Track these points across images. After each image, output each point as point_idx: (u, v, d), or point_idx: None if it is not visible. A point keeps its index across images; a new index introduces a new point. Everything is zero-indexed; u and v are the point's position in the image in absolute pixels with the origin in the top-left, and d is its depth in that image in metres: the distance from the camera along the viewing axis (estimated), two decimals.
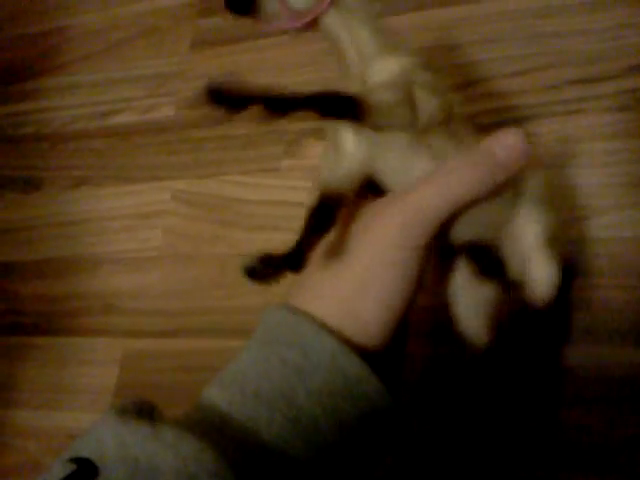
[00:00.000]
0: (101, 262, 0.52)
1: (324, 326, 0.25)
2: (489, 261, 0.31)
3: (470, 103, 0.44)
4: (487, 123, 0.44)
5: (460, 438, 0.37)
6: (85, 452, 0.22)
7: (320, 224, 0.28)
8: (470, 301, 0.31)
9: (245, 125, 0.52)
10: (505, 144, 0.28)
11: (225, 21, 0.57)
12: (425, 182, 0.27)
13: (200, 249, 0.49)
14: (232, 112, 0.26)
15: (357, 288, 0.26)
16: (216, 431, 0.23)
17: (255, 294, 0.40)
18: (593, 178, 0.40)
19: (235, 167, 0.51)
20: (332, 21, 0.28)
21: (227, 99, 0.26)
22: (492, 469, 0.36)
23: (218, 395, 0.25)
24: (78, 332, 0.50)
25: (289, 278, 0.28)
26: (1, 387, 0.50)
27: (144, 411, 0.25)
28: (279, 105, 0.25)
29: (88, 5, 0.65)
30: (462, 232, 0.30)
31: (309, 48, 0.52)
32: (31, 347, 0.51)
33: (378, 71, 0.28)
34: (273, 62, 0.53)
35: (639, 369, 0.35)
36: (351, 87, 0.28)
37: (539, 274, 0.30)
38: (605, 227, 0.38)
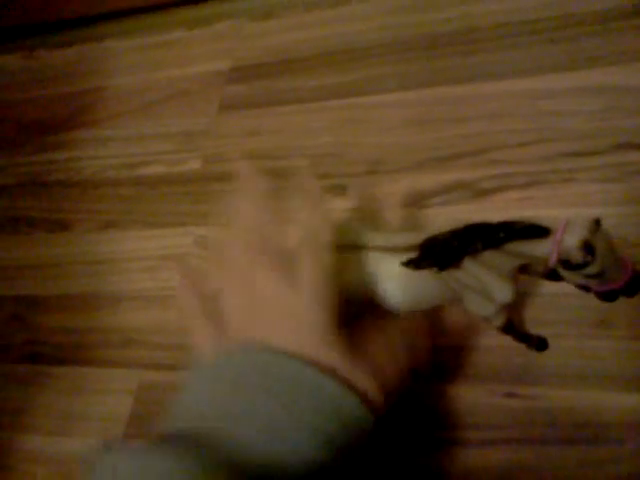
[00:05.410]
0: (121, 299, 0.55)
1: (295, 355, 0.28)
2: None
3: (475, 169, 0.49)
4: (490, 187, 0.48)
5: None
6: None
7: None
8: None
9: (266, 180, 0.56)
10: None
11: (251, 89, 0.63)
12: None
13: None
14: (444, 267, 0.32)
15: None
16: (211, 448, 0.25)
17: None
18: None
19: None
20: None
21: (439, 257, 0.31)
22: None
23: (203, 427, 0.26)
24: (95, 363, 0.52)
25: None
26: (14, 412, 0.52)
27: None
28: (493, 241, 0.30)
29: (125, 69, 0.71)
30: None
31: (327, 116, 0.58)
32: (48, 375, 0.53)
33: None
34: (293, 126, 0.59)
35: (630, 413, 0.38)
36: None
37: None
38: None
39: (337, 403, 0.27)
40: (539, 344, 0.41)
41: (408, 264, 0.32)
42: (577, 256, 0.29)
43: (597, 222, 0.29)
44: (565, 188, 0.47)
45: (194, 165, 0.60)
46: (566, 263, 0.29)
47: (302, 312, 0.30)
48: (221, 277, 0.34)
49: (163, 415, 0.29)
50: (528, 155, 0.49)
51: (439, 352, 0.43)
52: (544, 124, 0.50)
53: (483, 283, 0.33)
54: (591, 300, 0.34)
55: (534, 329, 0.41)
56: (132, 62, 0.72)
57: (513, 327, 0.38)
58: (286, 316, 0.30)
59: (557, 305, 0.42)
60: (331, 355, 0.29)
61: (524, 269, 0.34)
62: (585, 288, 0.33)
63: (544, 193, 0.47)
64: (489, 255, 0.32)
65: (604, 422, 0.38)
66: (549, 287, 0.43)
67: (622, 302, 0.33)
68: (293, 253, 0.32)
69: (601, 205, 0.45)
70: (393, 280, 0.34)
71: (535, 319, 0.42)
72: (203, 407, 0.28)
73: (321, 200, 0.35)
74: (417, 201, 0.50)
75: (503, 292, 0.33)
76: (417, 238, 0.34)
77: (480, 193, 0.49)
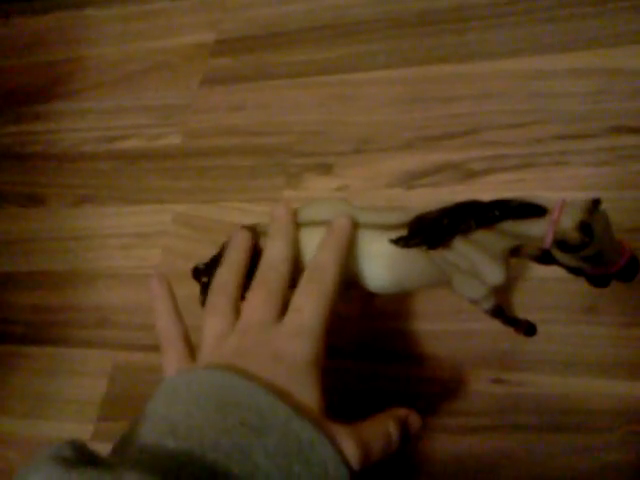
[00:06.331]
0: (98, 277, 0.53)
1: (276, 393, 0.26)
2: None
3: (465, 150, 0.48)
4: (479, 169, 0.47)
5: None
6: None
7: None
8: None
9: (250, 157, 0.55)
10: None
11: (236, 62, 0.61)
12: None
13: None
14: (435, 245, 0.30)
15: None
16: (173, 476, 0.23)
17: None
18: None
19: (237, 195, 0.53)
20: None
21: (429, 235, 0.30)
22: None
23: (174, 445, 0.24)
24: (69, 343, 0.50)
25: None
26: None
27: (84, 455, 0.23)
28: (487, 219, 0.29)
29: (106, 39, 0.68)
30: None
31: (314, 92, 0.56)
32: (20, 356, 0.51)
33: None
34: (279, 101, 0.57)
35: (619, 401, 0.37)
36: None
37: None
38: None
39: (308, 449, 0.25)
40: (528, 329, 0.40)
41: (397, 242, 0.31)
42: (574, 237, 0.27)
43: (596, 203, 0.28)
44: (557, 171, 0.45)
45: (174, 140, 0.58)
46: (562, 244, 0.28)
47: (284, 343, 0.29)
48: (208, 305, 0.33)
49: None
50: (520, 137, 0.47)
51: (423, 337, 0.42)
52: (537, 105, 0.48)
53: (474, 264, 0.32)
54: (580, 285, 0.34)
55: (522, 314, 0.40)
56: (113, 32, 0.69)
57: (502, 311, 0.37)
58: (264, 344, 0.29)
59: (546, 290, 0.41)
60: (308, 393, 0.27)
61: (515, 251, 0.33)
62: (577, 272, 0.32)
63: (536, 176, 0.46)
64: (481, 235, 0.30)
65: (592, 409, 0.37)
66: (538, 271, 0.42)
67: (611, 288, 0.33)
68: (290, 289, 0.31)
69: (594, 189, 0.44)
70: (379, 258, 0.33)
71: (523, 304, 0.41)
72: (191, 430, 0.25)
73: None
74: (405, 181, 0.49)
75: (495, 274, 0.32)
76: (406, 216, 0.32)
77: (470, 174, 0.47)
